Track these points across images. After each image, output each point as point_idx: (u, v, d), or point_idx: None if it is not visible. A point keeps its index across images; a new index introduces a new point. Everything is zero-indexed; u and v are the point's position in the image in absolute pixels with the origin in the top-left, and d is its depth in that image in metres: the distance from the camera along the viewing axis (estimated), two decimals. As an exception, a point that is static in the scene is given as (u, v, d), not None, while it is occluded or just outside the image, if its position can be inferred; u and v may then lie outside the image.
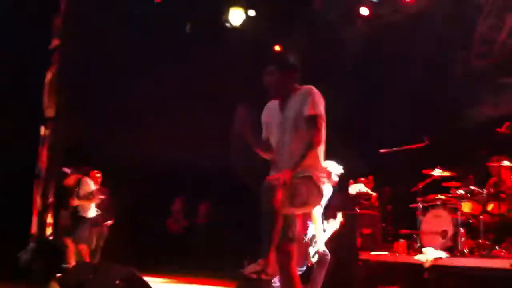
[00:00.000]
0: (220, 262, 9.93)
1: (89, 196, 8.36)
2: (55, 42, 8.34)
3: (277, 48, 10.56)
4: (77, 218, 8.25)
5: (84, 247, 8.21)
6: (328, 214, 6.62)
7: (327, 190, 6.41)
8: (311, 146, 3.58)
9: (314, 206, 3.65)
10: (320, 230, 6.39)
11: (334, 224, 6.61)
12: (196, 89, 10.34)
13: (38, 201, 7.59)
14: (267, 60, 3.91)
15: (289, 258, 3.58)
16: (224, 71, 10.15)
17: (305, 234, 6.58)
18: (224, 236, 11.08)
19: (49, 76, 8.28)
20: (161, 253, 11.63)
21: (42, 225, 7.48)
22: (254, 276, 3.22)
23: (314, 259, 6.47)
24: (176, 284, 8.12)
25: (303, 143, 3.58)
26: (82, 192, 8.33)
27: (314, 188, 3.56)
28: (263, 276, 3.24)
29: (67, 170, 8.52)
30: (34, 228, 7.47)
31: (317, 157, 3.63)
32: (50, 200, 7.68)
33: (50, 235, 7.54)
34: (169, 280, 8.49)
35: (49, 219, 7.62)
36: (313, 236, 6.55)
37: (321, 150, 3.66)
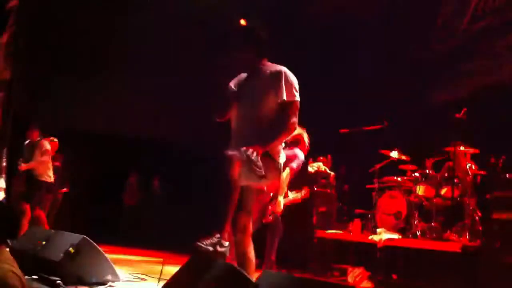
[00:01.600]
0: (174, 235, 9.89)
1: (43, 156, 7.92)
2: (13, 3, 8.05)
3: (242, 21, 10.44)
4: (34, 182, 7.92)
5: (42, 213, 7.95)
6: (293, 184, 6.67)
7: (300, 154, 6.45)
8: (286, 131, 3.59)
9: (272, 180, 3.62)
10: (282, 192, 6.42)
11: (296, 196, 6.63)
12: (157, 62, 10.18)
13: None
14: (237, 31, 3.84)
15: (245, 232, 3.56)
16: (188, 44, 10.01)
17: (267, 192, 6.57)
18: (178, 209, 11.03)
19: (5, 37, 7.99)
20: (115, 224, 11.53)
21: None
22: (210, 248, 3.19)
23: (270, 217, 6.46)
24: (128, 256, 8.04)
25: (269, 123, 3.56)
26: (39, 152, 7.93)
27: (271, 163, 3.54)
28: (219, 248, 3.22)
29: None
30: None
31: (278, 132, 3.61)
32: (4, 164, 7.45)
33: (3, 199, 7.33)
34: (121, 250, 8.40)
35: (2, 184, 7.41)
36: (274, 195, 6.54)
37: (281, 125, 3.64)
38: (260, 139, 3.47)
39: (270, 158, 3.53)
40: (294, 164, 6.52)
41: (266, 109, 3.59)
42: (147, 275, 5.33)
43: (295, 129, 3.64)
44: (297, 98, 3.62)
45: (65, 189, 9.38)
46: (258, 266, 6.53)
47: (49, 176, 7.93)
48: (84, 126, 10.89)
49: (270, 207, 6.56)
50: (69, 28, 9.46)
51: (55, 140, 8.83)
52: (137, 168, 12.35)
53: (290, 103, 3.58)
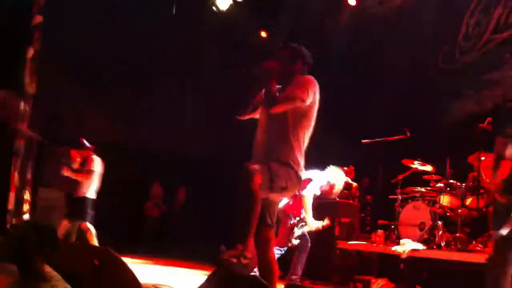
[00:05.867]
0: (197, 246, 9.91)
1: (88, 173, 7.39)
2: (38, 19, 8.22)
3: (263, 34, 10.53)
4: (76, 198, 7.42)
5: (86, 227, 7.33)
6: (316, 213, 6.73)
7: (320, 179, 6.51)
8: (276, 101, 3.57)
9: (293, 192, 3.63)
10: (309, 215, 6.49)
11: (319, 224, 6.69)
12: (179, 74, 10.27)
13: (16, 178, 7.46)
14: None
15: (267, 244, 3.57)
16: (208, 56, 10.09)
17: (292, 217, 6.67)
18: (202, 220, 11.06)
19: (31, 52, 8.14)
20: (139, 236, 11.60)
21: (19, 202, 7.36)
22: (233, 260, 3.20)
23: (295, 242, 6.56)
24: (153, 265, 8.09)
25: (287, 134, 3.57)
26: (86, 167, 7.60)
27: (292, 174, 3.54)
28: (242, 260, 3.23)
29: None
30: (11, 205, 7.35)
31: (298, 145, 3.62)
32: (28, 177, 7.54)
33: (26, 211, 7.38)
34: (146, 261, 8.46)
35: (27, 196, 7.49)
36: (300, 220, 6.63)
37: (301, 138, 3.64)
38: (278, 150, 3.50)
39: (290, 169, 3.54)
40: (317, 191, 6.57)
41: (284, 119, 3.59)
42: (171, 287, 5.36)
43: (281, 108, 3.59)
44: (298, 93, 3.57)
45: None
46: (282, 278, 6.59)
47: (93, 192, 7.51)
48: (108, 137, 10.99)
49: (295, 231, 6.63)
50: (93, 43, 9.60)
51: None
52: (161, 179, 12.41)
53: (292, 92, 3.57)
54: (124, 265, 3.99)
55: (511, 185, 3.53)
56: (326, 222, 6.74)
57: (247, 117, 3.81)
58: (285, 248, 6.59)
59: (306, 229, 6.74)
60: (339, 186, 6.86)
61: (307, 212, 6.55)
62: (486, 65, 8.73)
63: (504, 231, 3.53)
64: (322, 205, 7.20)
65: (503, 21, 8.67)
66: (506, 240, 3.59)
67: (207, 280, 3.45)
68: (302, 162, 3.66)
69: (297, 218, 6.76)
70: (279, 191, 3.49)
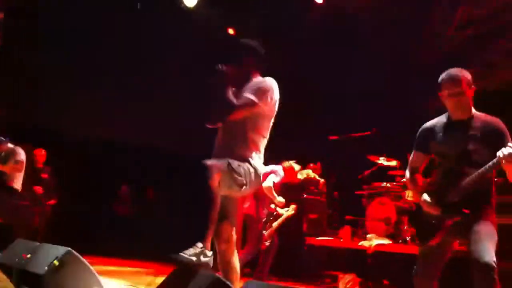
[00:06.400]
0: (166, 245, 9.80)
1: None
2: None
3: (230, 31, 10.48)
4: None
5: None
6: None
7: (279, 170, 6.59)
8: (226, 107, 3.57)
9: (253, 189, 3.63)
10: (277, 200, 6.57)
11: (285, 213, 6.74)
12: (143, 71, 10.15)
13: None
14: (237, 46, 3.86)
15: (228, 242, 3.56)
16: (171, 52, 9.99)
17: (260, 219, 6.72)
18: (171, 219, 10.98)
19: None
20: (106, 235, 11.46)
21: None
22: (193, 259, 3.18)
23: (267, 243, 6.61)
24: (120, 267, 8.01)
25: (245, 134, 3.58)
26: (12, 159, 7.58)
27: (252, 171, 3.54)
28: (202, 259, 3.21)
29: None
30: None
31: (257, 143, 3.63)
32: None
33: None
34: (113, 262, 8.37)
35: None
36: (267, 220, 6.68)
37: (260, 137, 3.66)
38: (237, 148, 3.50)
39: (250, 166, 3.54)
40: (276, 179, 6.65)
41: (243, 120, 3.59)
42: (136, 287, 5.31)
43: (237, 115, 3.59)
44: (254, 98, 3.55)
45: (53, 201, 9.27)
46: (250, 276, 6.59)
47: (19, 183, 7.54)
48: (72, 136, 10.83)
49: (265, 232, 6.67)
50: (55, 38, 9.42)
51: (43, 151, 8.78)
52: (129, 177, 12.29)
53: (248, 98, 3.56)
54: (85, 265, 3.94)
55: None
56: (291, 209, 6.81)
57: (218, 125, 3.79)
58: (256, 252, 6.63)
59: (275, 225, 6.77)
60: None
61: (275, 198, 6.63)
62: (451, 61, 8.82)
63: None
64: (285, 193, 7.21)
65: (465, 19, 8.79)
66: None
67: (167, 280, 3.43)
68: (261, 159, 3.67)
69: (265, 218, 6.80)
70: (239, 188, 3.48)
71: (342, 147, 8.31)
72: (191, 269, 3.19)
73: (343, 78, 9.36)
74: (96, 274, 4.22)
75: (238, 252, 3.72)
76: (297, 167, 7.52)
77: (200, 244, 3.22)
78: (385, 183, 7.69)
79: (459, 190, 3.35)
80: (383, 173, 7.86)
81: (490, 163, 3.20)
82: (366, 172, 7.85)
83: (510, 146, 3.12)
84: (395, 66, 9.45)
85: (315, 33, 9.83)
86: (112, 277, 5.92)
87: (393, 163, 7.70)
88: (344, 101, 9.31)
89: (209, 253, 3.25)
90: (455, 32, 8.98)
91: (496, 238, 3.29)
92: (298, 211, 7.15)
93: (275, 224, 6.81)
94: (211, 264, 3.30)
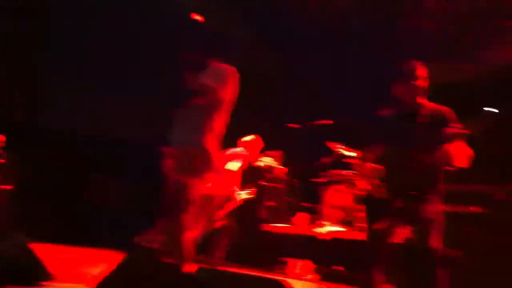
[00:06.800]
0: (120, 233, 9.72)
1: None
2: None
3: (197, 17, 10.34)
4: None
5: None
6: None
7: (244, 152, 6.58)
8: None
9: (209, 175, 3.63)
10: (234, 196, 6.55)
11: (243, 196, 6.75)
12: (95, 57, 9.99)
13: None
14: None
15: (181, 228, 3.56)
16: (138, 42, 9.86)
17: (217, 199, 6.66)
18: (126, 206, 10.86)
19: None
20: (69, 224, 11.30)
21: None
22: (145, 244, 3.18)
23: (221, 224, 6.54)
24: (70, 255, 7.90)
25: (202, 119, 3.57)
26: None
27: (208, 158, 3.55)
28: (154, 245, 3.21)
29: None
30: None
31: (215, 130, 3.64)
32: None
33: None
34: (64, 249, 8.26)
35: None
36: (224, 202, 6.62)
37: (218, 123, 3.67)
38: (195, 135, 3.49)
39: (206, 153, 3.54)
40: (240, 163, 6.64)
41: (201, 106, 3.59)
42: (88, 274, 5.25)
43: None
44: (212, 85, 3.59)
45: (9, 186, 9.08)
46: (202, 262, 6.59)
47: None
48: (31, 122, 10.64)
49: (222, 209, 6.63)
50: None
51: (2, 137, 8.61)
52: (85, 164, 12.11)
53: (204, 84, 3.55)
54: (31, 252, 3.90)
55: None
56: (250, 192, 6.85)
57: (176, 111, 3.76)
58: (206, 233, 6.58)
59: (232, 206, 6.74)
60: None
61: (237, 183, 6.63)
62: (408, 53, 8.93)
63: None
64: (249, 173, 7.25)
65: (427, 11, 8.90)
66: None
67: (119, 266, 3.41)
68: (218, 146, 3.68)
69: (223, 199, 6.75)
70: (195, 174, 3.49)
71: (302, 135, 8.36)
72: (142, 255, 3.19)
73: (304, 66, 9.41)
74: (42, 262, 4.16)
75: (191, 233, 3.72)
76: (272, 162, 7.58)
77: (151, 230, 3.22)
78: (343, 171, 7.78)
79: (408, 175, 3.45)
80: (342, 162, 7.94)
81: (437, 144, 3.32)
82: (324, 160, 7.93)
83: (454, 127, 3.26)
84: (357, 54, 9.53)
85: (276, 20, 9.83)
86: (66, 265, 5.84)
87: (352, 152, 7.79)
88: (305, 90, 9.36)
89: (161, 238, 3.26)
90: (419, 23, 9.10)
91: (442, 225, 3.39)
92: (256, 196, 7.19)
93: (232, 206, 6.77)
94: (163, 249, 3.31)
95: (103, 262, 4.24)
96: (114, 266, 3.48)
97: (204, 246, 6.48)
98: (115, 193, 11.32)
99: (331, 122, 7.97)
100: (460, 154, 3.31)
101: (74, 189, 12.04)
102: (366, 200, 3.76)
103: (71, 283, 4.85)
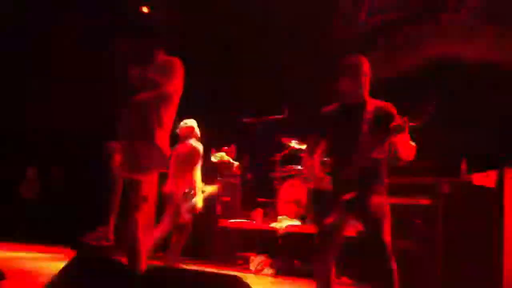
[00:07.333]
0: (70, 230, 9.54)
1: None
2: None
3: (144, 9, 10.22)
4: None
5: None
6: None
7: (199, 146, 6.45)
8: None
9: (158, 171, 3.60)
10: (198, 191, 6.44)
11: (207, 190, 6.66)
12: (53, 50, 9.79)
13: None
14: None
15: (134, 225, 3.51)
16: (85, 34, 9.69)
17: (177, 196, 6.54)
18: (77, 202, 10.66)
19: None
20: (14, 220, 11.04)
21: None
22: (94, 243, 3.13)
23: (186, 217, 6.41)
24: (25, 253, 7.73)
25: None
26: None
27: (157, 153, 3.51)
28: (104, 243, 3.16)
29: None
30: None
31: (162, 125, 3.59)
32: None
33: None
34: (19, 247, 8.06)
35: None
36: (185, 195, 6.49)
37: (166, 118, 3.62)
38: (144, 129, 3.45)
39: (155, 148, 3.50)
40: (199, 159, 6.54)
41: (148, 101, 3.54)
42: (38, 273, 5.14)
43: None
44: (159, 79, 3.55)
45: None
46: (160, 259, 6.53)
47: None
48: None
49: (185, 206, 6.50)
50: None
51: None
52: (35, 160, 11.83)
53: (150, 78, 3.53)
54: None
55: None
56: (214, 187, 6.81)
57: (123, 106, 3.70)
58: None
59: (196, 202, 6.61)
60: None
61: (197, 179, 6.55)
62: (361, 46, 9.03)
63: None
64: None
65: (376, 5, 9.03)
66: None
67: (67, 265, 3.34)
68: (167, 141, 3.64)
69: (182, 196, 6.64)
70: (143, 170, 3.44)
71: (256, 129, 8.36)
72: (91, 254, 3.14)
73: (255, 59, 9.40)
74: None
75: (151, 231, 3.68)
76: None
77: (101, 228, 3.17)
78: (296, 166, 7.83)
79: (353, 168, 3.49)
80: (295, 156, 7.99)
81: (382, 138, 3.39)
82: (279, 155, 7.96)
83: (397, 121, 3.33)
84: (310, 48, 9.57)
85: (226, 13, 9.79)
86: (14, 263, 5.69)
87: (305, 146, 7.83)
88: (258, 84, 9.36)
89: (111, 237, 3.21)
90: (365, 18, 9.21)
91: (389, 216, 3.46)
92: (218, 191, 7.15)
93: (196, 201, 6.62)
94: (114, 248, 3.27)
95: (51, 260, 4.15)
96: (63, 264, 3.41)
97: (164, 243, 6.41)
98: (66, 190, 11.12)
99: (284, 115, 7.99)
100: (404, 147, 3.40)
101: (18, 185, 11.81)
102: (314, 194, 3.79)
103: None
